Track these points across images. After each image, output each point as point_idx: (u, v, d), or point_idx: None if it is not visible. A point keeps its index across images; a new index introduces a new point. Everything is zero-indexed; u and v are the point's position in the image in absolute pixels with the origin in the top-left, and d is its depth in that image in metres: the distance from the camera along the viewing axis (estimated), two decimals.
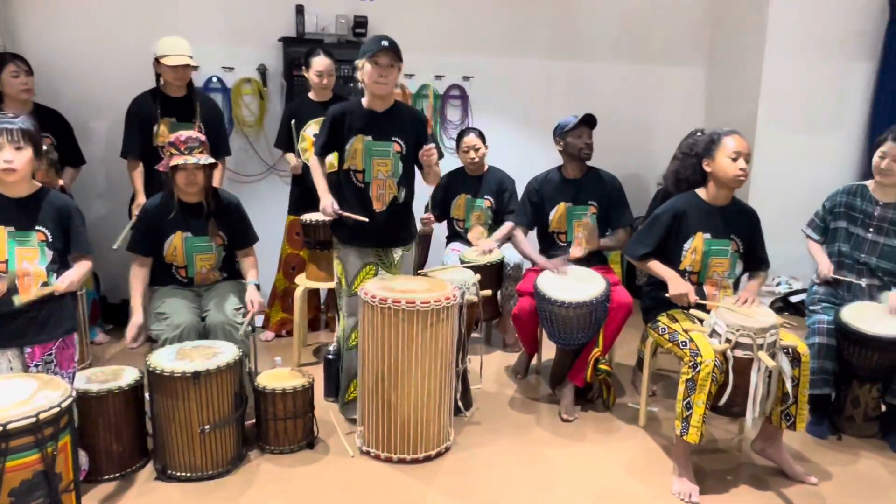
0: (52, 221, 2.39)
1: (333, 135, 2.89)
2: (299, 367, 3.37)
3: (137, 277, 2.87)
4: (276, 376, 2.84)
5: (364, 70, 2.77)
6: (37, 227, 2.37)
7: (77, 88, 4.13)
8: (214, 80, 4.34)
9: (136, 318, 2.76)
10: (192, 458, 2.53)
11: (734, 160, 2.69)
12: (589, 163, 3.41)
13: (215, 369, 2.48)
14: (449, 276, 3.15)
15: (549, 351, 3.51)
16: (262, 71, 4.41)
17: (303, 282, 3.69)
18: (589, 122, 3.32)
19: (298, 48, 4.18)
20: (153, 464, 2.63)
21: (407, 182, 2.97)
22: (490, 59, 4.84)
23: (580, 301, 2.97)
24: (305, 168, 3.79)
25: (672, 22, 5.14)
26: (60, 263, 2.43)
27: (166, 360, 2.51)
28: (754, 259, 2.89)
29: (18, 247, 2.33)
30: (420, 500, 2.49)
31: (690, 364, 2.49)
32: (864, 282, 3.04)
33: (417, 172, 3.02)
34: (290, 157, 3.93)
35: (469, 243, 4.03)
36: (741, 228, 2.83)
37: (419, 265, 3.92)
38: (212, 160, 2.84)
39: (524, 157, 4.50)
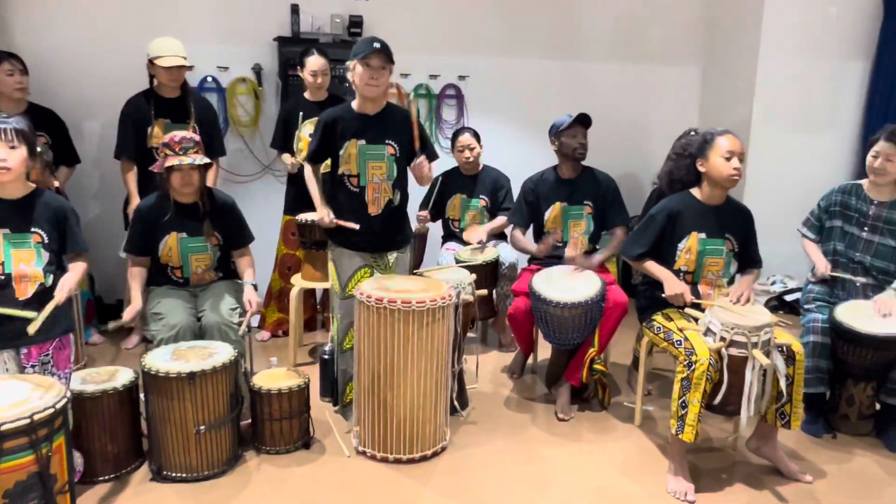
0: (47, 223, 2.38)
1: (326, 141, 2.88)
2: (295, 367, 3.37)
3: (135, 276, 2.86)
4: (272, 376, 2.84)
5: (355, 71, 2.76)
6: (32, 229, 2.36)
7: (72, 88, 4.12)
8: (209, 79, 4.34)
9: (135, 303, 2.75)
10: (187, 458, 2.53)
11: (728, 160, 2.69)
12: (584, 162, 3.41)
13: (211, 370, 2.48)
14: (445, 275, 3.16)
15: (544, 350, 3.52)
16: (258, 71, 4.41)
17: (299, 282, 3.69)
18: (583, 121, 3.32)
19: (293, 48, 4.18)
20: (148, 465, 2.62)
21: (401, 185, 2.97)
22: (485, 59, 4.84)
23: (575, 301, 2.98)
24: (302, 167, 3.79)
25: (667, 22, 5.15)
26: (56, 265, 2.42)
27: (161, 360, 2.51)
28: (747, 258, 2.90)
29: (14, 249, 2.32)
30: (416, 499, 2.49)
31: (685, 363, 2.50)
32: (859, 281, 3.05)
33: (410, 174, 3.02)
34: (287, 156, 3.93)
35: (465, 243, 4.03)
36: (736, 227, 2.84)
37: (415, 265, 3.92)
38: (207, 160, 2.84)
39: (520, 157, 4.50)
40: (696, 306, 2.72)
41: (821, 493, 2.58)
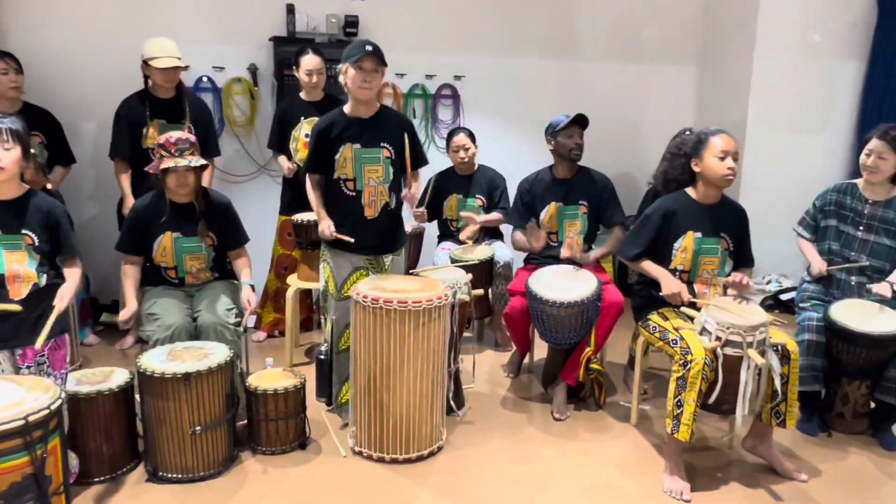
0: (38, 225, 2.37)
1: (322, 148, 2.87)
2: (291, 367, 3.36)
3: (129, 275, 2.86)
4: (268, 377, 2.83)
5: (347, 75, 2.76)
6: (23, 231, 2.35)
7: (68, 88, 4.11)
8: (205, 79, 4.33)
9: (131, 305, 2.74)
10: (183, 459, 2.52)
11: (722, 159, 2.70)
12: (581, 162, 3.41)
13: (206, 370, 2.47)
14: (441, 275, 3.16)
15: (541, 350, 3.52)
16: (253, 71, 4.40)
17: (295, 282, 3.68)
18: (580, 121, 3.32)
19: (289, 48, 4.17)
20: (144, 465, 2.62)
21: (397, 187, 2.97)
22: (481, 59, 4.84)
23: (571, 300, 2.98)
24: (298, 171, 3.79)
25: (664, 22, 5.16)
26: (49, 265, 2.42)
27: (157, 361, 2.50)
28: (741, 257, 2.90)
29: (5, 250, 2.31)
30: (412, 499, 2.49)
31: (681, 362, 2.50)
32: (853, 278, 3.05)
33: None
34: (283, 160, 3.91)
35: (460, 243, 4.03)
36: (731, 226, 2.85)
37: (410, 265, 3.92)
38: (203, 162, 2.83)
39: (516, 157, 4.51)
40: (693, 305, 2.72)
41: (816, 491, 2.59)
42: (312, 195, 2.97)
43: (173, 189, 2.82)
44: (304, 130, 3.82)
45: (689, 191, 2.87)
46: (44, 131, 3.68)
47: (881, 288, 2.90)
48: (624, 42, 5.13)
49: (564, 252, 3.31)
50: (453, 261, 3.73)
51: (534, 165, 3.59)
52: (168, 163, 2.74)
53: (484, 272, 3.74)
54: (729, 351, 2.46)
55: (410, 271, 3.36)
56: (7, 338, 2.32)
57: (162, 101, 3.63)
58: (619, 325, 3.24)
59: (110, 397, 2.52)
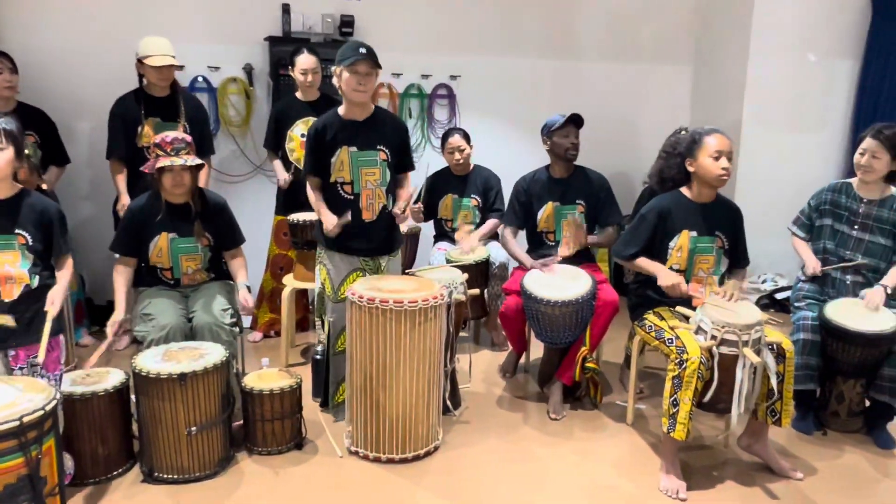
0: (32, 224, 2.37)
1: (319, 151, 2.87)
2: (287, 367, 3.36)
3: (121, 275, 2.85)
4: (264, 377, 2.83)
5: (342, 78, 2.75)
6: (17, 231, 2.34)
7: (63, 87, 4.09)
8: (200, 79, 4.32)
9: (117, 314, 2.73)
10: (178, 460, 2.51)
11: (716, 159, 2.70)
12: (576, 161, 3.42)
13: (202, 370, 2.47)
14: (436, 275, 3.15)
15: (537, 349, 3.52)
16: (249, 70, 4.39)
17: (291, 282, 3.68)
18: (576, 121, 3.33)
19: (285, 47, 4.16)
20: (139, 466, 2.61)
21: (393, 189, 2.98)
22: (477, 58, 4.84)
23: (566, 300, 2.98)
24: (293, 182, 3.78)
25: (659, 21, 5.17)
26: (42, 266, 2.41)
27: (152, 361, 2.49)
28: (736, 256, 2.91)
29: None
30: (409, 499, 2.49)
31: (677, 361, 2.50)
32: (849, 277, 3.06)
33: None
34: (279, 169, 3.89)
35: (456, 243, 4.03)
36: (726, 225, 2.85)
37: (406, 265, 3.92)
38: (199, 161, 2.83)
39: (512, 157, 4.51)
40: (687, 304, 2.73)
41: (811, 489, 2.60)
42: (313, 196, 2.96)
43: (169, 189, 2.81)
44: (300, 130, 3.82)
45: (684, 190, 2.88)
46: (38, 131, 3.66)
47: (873, 298, 2.90)
48: (620, 42, 5.13)
49: (562, 252, 3.32)
50: (449, 261, 3.73)
51: (530, 165, 3.59)
52: (164, 162, 2.73)
53: (480, 272, 3.75)
54: (725, 350, 2.46)
55: (406, 271, 3.36)
56: None
57: (157, 100, 3.62)
58: (616, 324, 3.25)
59: (105, 398, 2.51)
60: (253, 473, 2.63)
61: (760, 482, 2.63)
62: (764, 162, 4.81)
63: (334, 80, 2.81)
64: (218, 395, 2.57)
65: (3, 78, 3.51)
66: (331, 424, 3.00)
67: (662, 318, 2.78)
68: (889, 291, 2.92)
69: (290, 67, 3.86)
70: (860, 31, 4.78)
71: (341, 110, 2.88)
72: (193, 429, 2.49)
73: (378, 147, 2.88)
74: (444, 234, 4.16)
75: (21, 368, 2.34)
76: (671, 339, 2.62)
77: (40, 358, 2.24)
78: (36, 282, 2.36)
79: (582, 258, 3.39)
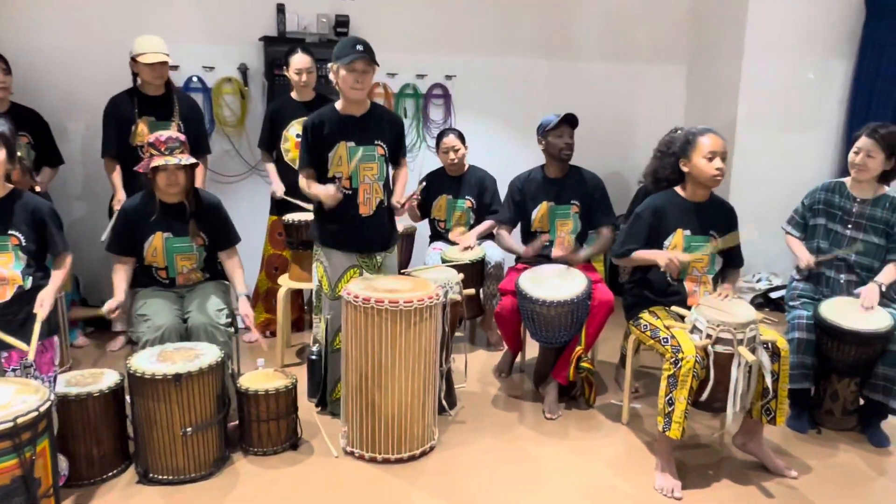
0: (25, 224, 2.36)
1: (315, 145, 2.87)
2: (283, 367, 3.35)
3: (120, 272, 2.83)
4: (259, 377, 2.82)
5: (339, 75, 2.76)
6: (10, 231, 2.33)
7: (56, 88, 4.08)
8: (195, 79, 4.31)
9: (118, 295, 2.72)
10: (174, 460, 2.51)
11: (710, 160, 2.71)
12: (571, 161, 3.42)
13: (197, 371, 2.46)
14: (432, 275, 3.15)
15: (532, 349, 3.52)
16: (244, 70, 4.38)
17: (286, 282, 3.67)
18: (570, 121, 3.33)
19: (280, 47, 4.16)
20: (135, 467, 2.60)
21: (389, 184, 2.98)
22: (473, 58, 4.84)
23: (562, 299, 2.99)
24: (288, 170, 3.77)
25: (654, 22, 5.18)
26: (35, 267, 2.40)
27: (147, 362, 2.49)
28: (731, 255, 2.92)
29: None
30: (405, 499, 2.49)
31: (672, 360, 2.51)
32: (843, 278, 3.07)
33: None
34: (274, 178, 3.88)
35: (451, 243, 4.03)
36: (720, 225, 2.86)
37: (402, 265, 3.91)
38: (193, 160, 2.82)
39: (507, 157, 4.51)
40: (685, 302, 2.73)
41: (806, 487, 2.60)
42: (304, 182, 2.93)
43: (163, 188, 2.80)
44: (294, 130, 3.81)
45: (679, 189, 2.88)
46: (31, 132, 3.65)
47: (868, 297, 2.91)
48: (615, 42, 5.14)
49: (556, 252, 3.32)
50: (444, 260, 3.73)
51: (525, 165, 3.60)
52: (158, 161, 2.72)
53: (475, 272, 3.75)
54: (720, 349, 2.47)
55: (402, 271, 3.36)
56: None
57: (151, 99, 3.62)
58: (611, 323, 3.25)
59: (100, 399, 2.50)
60: (248, 474, 2.62)
61: (755, 481, 2.64)
62: (758, 161, 4.83)
63: (331, 76, 2.81)
64: (213, 396, 2.56)
65: None
66: (326, 424, 3.00)
67: (658, 318, 2.79)
68: (884, 289, 2.93)
69: (284, 67, 3.85)
70: (854, 30, 4.80)
71: (338, 105, 2.89)
72: (189, 429, 2.49)
73: (376, 142, 2.89)
74: (439, 234, 4.16)
75: (14, 370, 2.34)
76: (666, 338, 2.62)
77: (30, 358, 2.23)
78: (29, 283, 2.36)
79: None
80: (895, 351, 2.84)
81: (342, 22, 4.39)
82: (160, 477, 2.52)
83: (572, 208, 3.41)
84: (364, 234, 2.93)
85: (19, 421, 1.87)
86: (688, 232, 2.82)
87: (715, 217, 2.85)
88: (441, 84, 4.83)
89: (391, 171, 3.02)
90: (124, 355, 2.99)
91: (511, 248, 3.46)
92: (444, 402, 3.08)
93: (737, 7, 4.77)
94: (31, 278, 2.37)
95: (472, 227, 4.07)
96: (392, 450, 2.71)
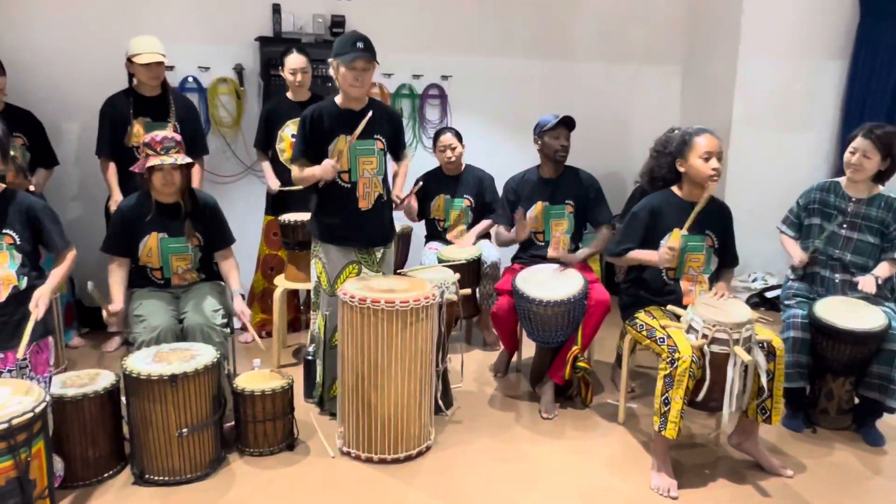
0: (19, 223, 2.35)
1: (313, 137, 2.87)
2: (279, 368, 3.35)
3: (116, 273, 2.83)
4: (256, 378, 2.82)
5: (339, 72, 2.76)
6: (3, 231, 2.32)
7: (51, 89, 4.06)
8: (190, 80, 4.30)
9: (117, 302, 2.72)
10: (170, 461, 2.50)
11: (706, 160, 2.72)
12: (568, 161, 3.42)
13: (193, 372, 2.46)
14: (428, 275, 3.15)
15: (528, 349, 3.53)
16: (239, 71, 4.38)
17: (282, 283, 3.67)
18: (567, 123, 3.33)
19: (275, 48, 4.15)
20: (130, 468, 2.59)
21: (387, 179, 3.00)
22: (469, 59, 4.85)
23: (558, 299, 2.99)
24: (284, 170, 3.77)
25: (649, 22, 5.19)
26: (31, 266, 2.39)
27: (143, 363, 2.48)
28: (726, 255, 2.93)
29: None
30: (401, 499, 2.49)
31: (668, 360, 2.51)
32: (838, 277, 3.08)
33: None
34: (269, 175, 3.88)
35: (447, 243, 4.03)
36: (716, 224, 2.87)
37: (398, 265, 3.92)
38: (188, 160, 2.81)
39: (503, 157, 4.51)
40: (680, 302, 2.74)
41: (801, 486, 2.61)
42: (298, 170, 2.92)
43: (159, 188, 2.80)
44: (290, 130, 3.81)
45: (675, 189, 2.89)
46: (26, 132, 3.64)
47: (866, 283, 2.93)
48: (611, 42, 5.15)
49: (551, 252, 3.33)
50: (441, 260, 3.73)
51: (521, 165, 3.60)
52: (154, 161, 2.72)
53: (471, 272, 3.75)
54: (716, 348, 2.47)
55: (398, 271, 3.36)
56: None
57: (147, 99, 3.61)
58: (607, 323, 3.25)
59: (96, 400, 2.49)
60: (244, 474, 2.62)
61: (751, 480, 2.65)
62: (753, 161, 4.84)
63: (331, 71, 2.82)
64: (209, 397, 2.55)
65: None
66: (323, 425, 3.00)
67: (654, 318, 2.80)
68: (880, 282, 2.94)
69: (280, 67, 3.85)
70: (848, 30, 4.82)
71: (338, 100, 2.90)
72: (184, 430, 2.48)
73: (375, 136, 2.90)
74: (436, 233, 4.16)
75: (10, 371, 2.33)
76: (662, 337, 2.63)
77: (20, 355, 2.22)
78: (24, 283, 2.35)
79: None
80: (890, 350, 2.85)
81: (338, 22, 4.39)
82: (156, 478, 2.51)
83: (567, 208, 3.41)
84: (363, 229, 2.93)
85: (14, 422, 1.87)
86: (684, 231, 2.83)
87: (711, 216, 2.86)
88: (437, 84, 4.83)
89: (391, 166, 3.03)
90: (120, 356, 2.99)
91: (510, 239, 3.47)
92: (440, 402, 3.08)
93: (732, 8, 4.78)
94: (26, 278, 2.36)
95: (470, 226, 4.07)
96: (388, 450, 2.71)
